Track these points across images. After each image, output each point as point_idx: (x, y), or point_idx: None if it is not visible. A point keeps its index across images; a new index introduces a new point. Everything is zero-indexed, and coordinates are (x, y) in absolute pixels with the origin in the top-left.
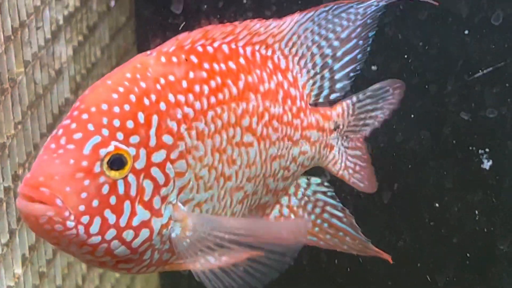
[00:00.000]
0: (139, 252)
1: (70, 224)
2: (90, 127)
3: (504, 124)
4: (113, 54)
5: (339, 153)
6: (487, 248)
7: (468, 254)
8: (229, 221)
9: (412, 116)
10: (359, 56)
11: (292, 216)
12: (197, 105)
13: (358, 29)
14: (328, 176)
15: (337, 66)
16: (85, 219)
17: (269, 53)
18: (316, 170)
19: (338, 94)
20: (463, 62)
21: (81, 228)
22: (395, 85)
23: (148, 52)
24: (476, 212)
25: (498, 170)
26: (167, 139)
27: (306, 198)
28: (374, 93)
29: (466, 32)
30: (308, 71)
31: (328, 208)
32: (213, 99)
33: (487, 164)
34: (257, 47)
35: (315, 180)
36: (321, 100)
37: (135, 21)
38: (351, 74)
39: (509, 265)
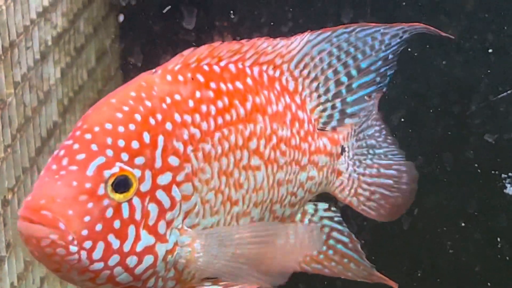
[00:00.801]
0: (142, 279)
1: (73, 249)
2: (94, 147)
3: None
4: (99, 77)
5: (348, 179)
6: (510, 278)
7: (489, 283)
8: (238, 231)
9: (433, 138)
10: (373, 94)
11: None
12: (204, 125)
13: (379, 62)
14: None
15: (350, 99)
16: (88, 243)
17: (277, 74)
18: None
19: (351, 119)
20: (488, 82)
21: (83, 254)
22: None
23: (153, 70)
24: (499, 239)
25: None
26: (173, 160)
27: (312, 224)
28: (368, 111)
29: (490, 50)
30: (319, 96)
31: (334, 233)
32: (220, 120)
33: (510, 189)
34: (264, 67)
35: (322, 205)
36: (327, 129)
37: (120, 44)
38: (362, 114)
39: None
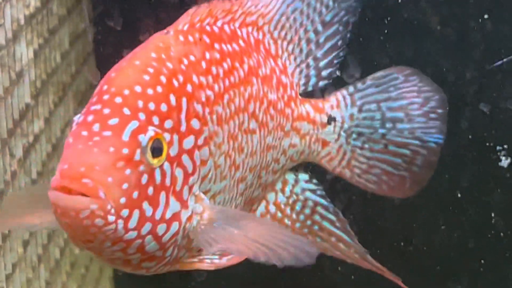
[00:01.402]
0: (166, 248)
1: (111, 218)
2: (126, 111)
3: None
4: (72, 61)
5: (338, 150)
6: (504, 254)
7: (483, 260)
8: (247, 225)
9: None
10: (339, 42)
11: (279, 214)
12: (216, 87)
13: (342, 13)
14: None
15: (319, 53)
16: (125, 212)
17: (260, 36)
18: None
19: (326, 81)
20: (483, 49)
21: (120, 223)
22: (404, 72)
23: (165, 30)
24: (493, 214)
25: None
26: (195, 123)
27: (294, 196)
28: (378, 82)
29: (486, 16)
30: (295, 58)
31: (319, 209)
32: (227, 82)
33: (505, 162)
34: (249, 29)
35: (303, 176)
36: (310, 88)
37: (94, 28)
38: (335, 61)
39: None
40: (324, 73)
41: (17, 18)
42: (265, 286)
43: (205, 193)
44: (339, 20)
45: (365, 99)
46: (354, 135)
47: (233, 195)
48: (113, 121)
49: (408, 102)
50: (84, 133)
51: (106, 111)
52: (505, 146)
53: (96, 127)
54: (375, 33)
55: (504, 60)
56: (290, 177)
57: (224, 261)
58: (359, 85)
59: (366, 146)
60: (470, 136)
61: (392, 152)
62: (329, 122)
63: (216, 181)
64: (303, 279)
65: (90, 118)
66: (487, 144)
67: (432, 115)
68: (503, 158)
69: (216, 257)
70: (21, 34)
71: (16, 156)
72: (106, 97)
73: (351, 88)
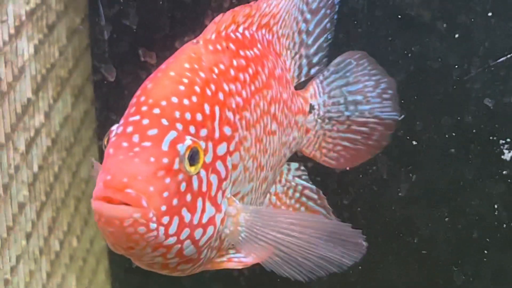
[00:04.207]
0: (201, 250)
1: (153, 225)
2: (164, 122)
3: None
4: (70, 56)
5: (315, 135)
6: (508, 245)
7: (486, 251)
8: (282, 218)
9: (432, 103)
10: (328, 25)
11: (279, 203)
12: (244, 93)
13: None
14: None
15: (310, 40)
16: (165, 219)
17: (270, 37)
18: None
19: (317, 67)
20: (488, 45)
21: (161, 230)
22: (355, 56)
23: (194, 40)
24: (496, 206)
25: None
26: (227, 130)
27: (288, 183)
28: (337, 68)
29: (490, 14)
30: (290, 52)
31: (306, 191)
32: (252, 87)
33: (508, 155)
34: (263, 31)
35: (294, 165)
36: (302, 79)
37: (90, 23)
38: (325, 45)
39: None
40: (315, 59)
41: (19, 14)
42: None
43: (235, 195)
44: (325, 4)
45: (331, 86)
46: (326, 120)
47: (258, 195)
48: (152, 131)
49: (363, 86)
50: (125, 144)
51: (145, 122)
52: (508, 140)
53: (136, 138)
54: (380, 28)
55: (508, 56)
56: (284, 167)
57: (251, 259)
58: (325, 72)
59: (334, 128)
60: (474, 130)
61: (353, 131)
62: (310, 111)
63: (245, 183)
64: None
65: (129, 129)
66: (491, 138)
67: (385, 96)
68: (506, 151)
69: (243, 255)
70: (23, 30)
71: (19, 150)
72: (144, 108)
73: (321, 76)
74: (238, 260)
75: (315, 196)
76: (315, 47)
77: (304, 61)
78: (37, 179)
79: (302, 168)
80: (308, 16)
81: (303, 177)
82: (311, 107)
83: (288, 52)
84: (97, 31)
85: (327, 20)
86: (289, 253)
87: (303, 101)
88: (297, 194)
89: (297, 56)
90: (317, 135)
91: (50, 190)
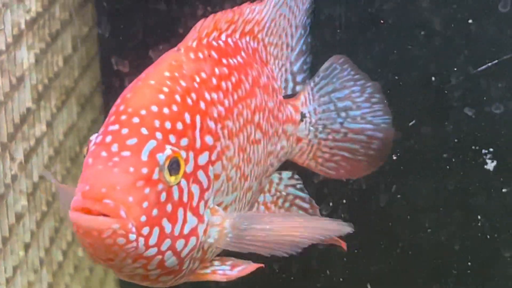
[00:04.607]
0: (183, 262)
1: (132, 237)
2: (144, 131)
3: (511, 121)
4: (75, 65)
5: (308, 144)
6: (490, 256)
7: (469, 263)
8: (267, 218)
9: (412, 112)
10: (304, 47)
11: (267, 212)
12: (226, 102)
13: (304, 16)
14: None
15: (293, 57)
16: (145, 230)
17: (256, 44)
18: None
19: (301, 86)
20: (468, 54)
21: (141, 241)
22: (339, 61)
23: (176, 48)
24: (479, 217)
25: (502, 172)
26: (209, 140)
27: (278, 193)
28: (325, 74)
29: (471, 21)
30: (278, 62)
31: (297, 201)
32: (235, 96)
33: (490, 165)
34: (247, 38)
35: (286, 174)
36: (289, 92)
37: (98, 31)
38: (305, 67)
39: None
40: (298, 78)
41: (18, 22)
42: None
43: (218, 205)
44: (300, 23)
45: (320, 92)
46: (320, 128)
47: (242, 205)
48: (132, 141)
49: (350, 91)
50: (104, 153)
51: (124, 131)
52: (491, 150)
53: (115, 147)
54: (360, 37)
55: (489, 64)
56: (275, 176)
57: (236, 273)
58: (315, 78)
59: (330, 137)
60: (456, 140)
61: (350, 139)
62: (301, 119)
63: (228, 193)
64: None
65: (108, 138)
66: (473, 147)
67: (373, 100)
68: (489, 161)
69: (228, 268)
70: (22, 39)
71: (17, 160)
72: (123, 117)
73: (311, 83)
74: (222, 273)
75: (307, 206)
76: (297, 65)
77: (290, 76)
78: (37, 189)
79: (296, 176)
80: (293, 30)
81: (298, 186)
82: (303, 115)
83: (277, 61)
84: (106, 39)
85: (302, 40)
86: (277, 239)
87: (293, 109)
88: (287, 204)
89: (284, 68)
90: (310, 144)
91: (52, 200)
